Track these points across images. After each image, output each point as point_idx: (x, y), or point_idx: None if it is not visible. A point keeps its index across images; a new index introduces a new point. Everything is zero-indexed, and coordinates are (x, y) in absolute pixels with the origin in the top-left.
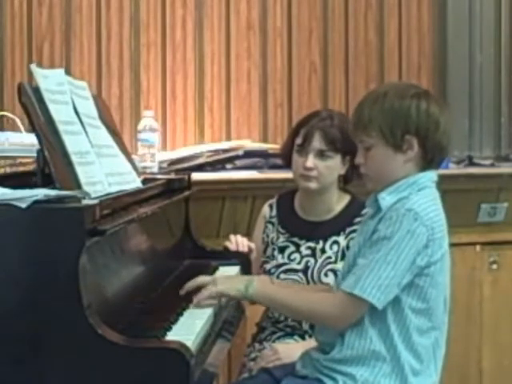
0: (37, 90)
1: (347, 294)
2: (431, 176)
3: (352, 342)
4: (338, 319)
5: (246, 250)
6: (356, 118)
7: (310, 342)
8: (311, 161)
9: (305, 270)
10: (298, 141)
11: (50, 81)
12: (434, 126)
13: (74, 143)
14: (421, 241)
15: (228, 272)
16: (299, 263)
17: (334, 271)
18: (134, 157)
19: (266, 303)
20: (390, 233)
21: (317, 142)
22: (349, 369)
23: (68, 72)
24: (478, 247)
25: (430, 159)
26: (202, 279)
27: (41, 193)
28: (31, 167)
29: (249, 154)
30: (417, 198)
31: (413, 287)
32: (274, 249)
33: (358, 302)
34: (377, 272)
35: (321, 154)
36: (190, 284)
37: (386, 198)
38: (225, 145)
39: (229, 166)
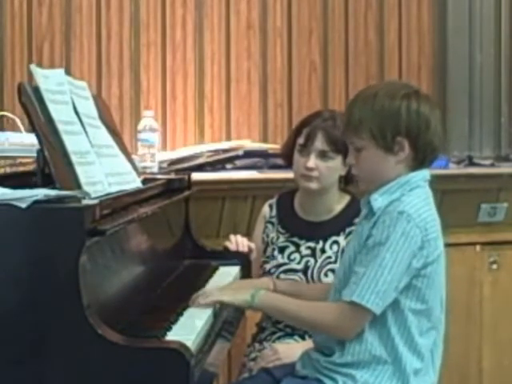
0: (37, 90)
1: (347, 304)
2: (424, 175)
3: (352, 348)
4: (341, 330)
5: (245, 249)
6: (346, 119)
7: (310, 342)
8: (313, 161)
9: (305, 270)
10: (300, 141)
11: (50, 81)
12: (425, 125)
13: (74, 143)
14: (415, 243)
15: (228, 272)
16: (299, 263)
17: (334, 271)
18: (134, 157)
19: (271, 314)
20: (384, 238)
21: (319, 143)
22: (349, 370)
23: (68, 72)
24: (477, 247)
25: (421, 159)
26: (209, 290)
27: (41, 193)
28: (31, 167)
29: (249, 153)
30: (409, 200)
31: (411, 289)
32: (273, 249)
33: (359, 310)
34: (373, 278)
35: (322, 155)
36: (197, 295)
37: (378, 199)
38: (225, 145)
39: (229, 166)
